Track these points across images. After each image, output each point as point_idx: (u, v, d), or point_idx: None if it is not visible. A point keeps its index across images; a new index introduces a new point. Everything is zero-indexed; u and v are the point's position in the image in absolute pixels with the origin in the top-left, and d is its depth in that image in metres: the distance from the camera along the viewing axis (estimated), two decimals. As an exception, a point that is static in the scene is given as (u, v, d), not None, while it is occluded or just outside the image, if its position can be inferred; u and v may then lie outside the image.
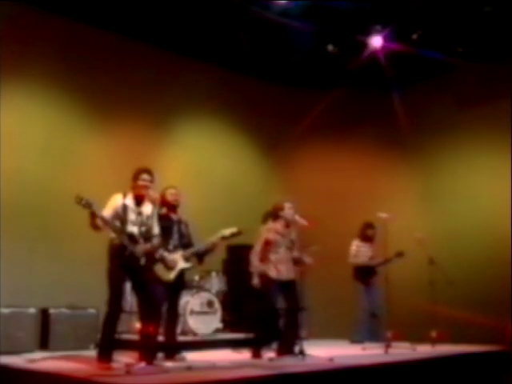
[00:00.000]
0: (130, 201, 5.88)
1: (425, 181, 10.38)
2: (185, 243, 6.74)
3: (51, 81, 8.00)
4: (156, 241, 6.00)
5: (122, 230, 5.69)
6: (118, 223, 5.76)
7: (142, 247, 5.78)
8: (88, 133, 8.39)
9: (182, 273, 6.68)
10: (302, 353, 6.52)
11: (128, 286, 6.13)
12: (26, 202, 7.56)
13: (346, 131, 10.54)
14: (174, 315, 6.71)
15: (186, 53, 9.36)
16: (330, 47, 9.45)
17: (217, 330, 8.26)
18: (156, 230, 6.03)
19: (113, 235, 5.71)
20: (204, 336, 8.03)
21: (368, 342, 8.46)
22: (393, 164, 10.62)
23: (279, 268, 6.79)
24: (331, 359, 6.33)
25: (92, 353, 6.65)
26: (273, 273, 6.79)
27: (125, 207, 5.81)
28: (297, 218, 6.91)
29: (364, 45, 9.20)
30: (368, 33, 9.01)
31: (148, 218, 5.93)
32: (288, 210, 6.91)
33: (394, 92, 10.14)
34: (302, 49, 9.33)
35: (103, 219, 5.55)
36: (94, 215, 5.48)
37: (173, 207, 6.70)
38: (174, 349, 6.58)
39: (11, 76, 7.49)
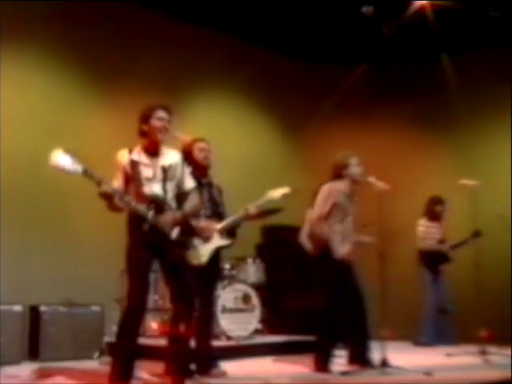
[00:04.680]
0: (138, 155, 4.35)
1: (463, 162, 9.09)
2: (219, 213, 5.11)
3: (52, 51, 7.24)
4: (194, 200, 4.45)
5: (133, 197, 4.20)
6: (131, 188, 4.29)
7: (168, 216, 4.23)
8: (92, 107, 7.56)
9: (217, 255, 5.05)
10: (384, 363, 4.91)
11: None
12: (20, 182, 6.68)
13: (375, 109, 9.61)
14: (207, 314, 5.09)
15: (199, 22, 8.43)
16: (365, 8, 8.27)
17: (255, 332, 6.68)
18: (189, 183, 4.46)
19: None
20: (240, 340, 6.43)
21: (436, 345, 7.22)
22: (427, 143, 9.51)
23: (346, 244, 5.23)
24: (428, 373, 4.77)
25: (95, 364, 5.83)
26: (339, 250, 5.20)
27: (134, 164, 4.29)
28: (371, 178, 5.33)
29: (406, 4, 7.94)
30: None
31: (172, 168, 4.36)
32: (355, 168, 5.35)
33: (438, 63, 8.93)
34: (331, 16, 8.28)
35: (108, 186, 4.10)
36: (98, 183, 4.04)
37: (202, 168, 5.00)
38: (209, 360, 4.94)
39: (10, 46, 6.73)
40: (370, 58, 8.76)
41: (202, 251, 4.84)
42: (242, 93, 9.13)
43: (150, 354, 5.32)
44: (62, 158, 3.88)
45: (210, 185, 5.05)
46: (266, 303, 6.94)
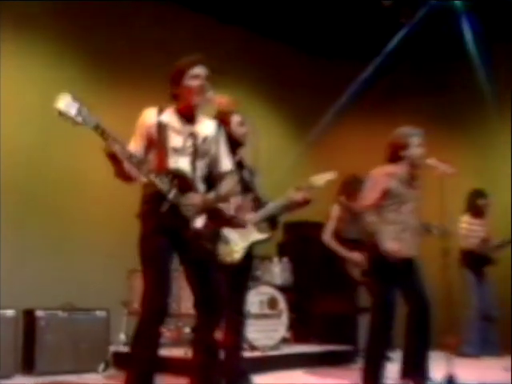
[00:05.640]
0: (169, 116, 3.57)
1: (478, 162, 8.82)
2: (252, 200, 4.38)
3: (53, 46, 7.06)
4: (230, 183, 3.65)
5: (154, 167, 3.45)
6: (152, 157, 3.53)
7: (195, 198, 3.46)
8: (95, 101, 7.14)
9: (249, 251, 4.30)
10: (451, 380, 4.31)
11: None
12: (18, 178, 6.46)
13: (389, 106, 9.31)
14: (237, 322, 4.32)
15: (207, 12, 8.14)
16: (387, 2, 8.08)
17: (283, 341, 6.01)
18: (227, 163, 3.68)
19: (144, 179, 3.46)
20: (266, 350, 5.72)
21: (481, 356, 6.66)
22: (444, 141, 9.08)
23: (402, 237, 4.48)
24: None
25: (100, 378, 5.49)
26: (391, 245, 4.43)
27: (161, 127, 3.51)
28: (431, 160, 4.68)
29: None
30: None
31: (207, 141, 3.58)
32: (416, 149, 4.62)
33: (456, 59, 8.59)
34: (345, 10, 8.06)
35: (117, 145, 3.30)
36: (106, 139, 3.29)
37: (236, 145, 4.24)
38: (239, 375, 4.27)
39: (9, 42, 6.53)
40: (385, 53, 8.39)
41: (236, 246, 4.12)
42: (253, 88, 8.94)
43: (169, 366, 4.76)
44: (71, 105, 3.16)
45: (240, 165, 4.28)
46: (291, 308, 6.29)
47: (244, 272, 4.28)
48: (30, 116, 6.55)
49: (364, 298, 6.12)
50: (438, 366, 4.53)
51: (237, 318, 4.28)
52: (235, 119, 4.25)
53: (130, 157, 3.33)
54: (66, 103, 3.14)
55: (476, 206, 7.08)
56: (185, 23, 8.09)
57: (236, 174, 4.12)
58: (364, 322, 6.14)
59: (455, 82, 8.60)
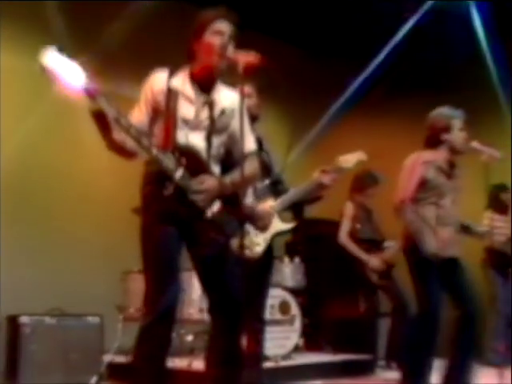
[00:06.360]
0: (181, 82, 3.01)
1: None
2: (273, 184, 3.86)
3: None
4: (251, 166, 3.08)
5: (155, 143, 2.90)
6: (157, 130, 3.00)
7: (208, 181, 2.93)
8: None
9: (271, 244, 3.81)
10: None
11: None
12: (5, 179, 6.19)
13: (390, 105, 9.13)
14: (257, 328, 3.81)
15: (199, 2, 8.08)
16: None
17: (296, 350, 5.55)
18: (250, 143, 3.11)
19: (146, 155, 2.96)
20: (278, 360, 5.23)
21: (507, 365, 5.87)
22: None
23: (442, 234, 4.03)
24: None
25: None
26: (431, 243, 3.99)
27: (171, 94, 2.96)
28: (476, 144, 4.19)
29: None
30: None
31: (226, 115, 3.02)
32: (458, 133, 4.15)
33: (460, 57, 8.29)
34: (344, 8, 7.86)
35: (114, 112, 2.74)
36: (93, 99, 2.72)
37: (252, 119, 3.71)
38: None
39: (8, 42, 6.41)
40: (387, 51, 8.16)
41: (256, 237, 3.59)
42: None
43: (170, 379, 4.20)
44: (57, 59, 2.62)
45: (259, 143, 3.76)
46: (303, 313, 5.86)
47: (264, 270, 3.77)
48: (29, 116, 6.27)
49: (383, 303, 5.76)
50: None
51: (256, 325, 3.79)
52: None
53: (129, 127, 2.80)
54: (51, 58, 2.62)
55: (499, 200, 6.72)
56: (179, 16, 7.72)
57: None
58: (384, 328, 5.74)
59: (464, 81, 8.30)
